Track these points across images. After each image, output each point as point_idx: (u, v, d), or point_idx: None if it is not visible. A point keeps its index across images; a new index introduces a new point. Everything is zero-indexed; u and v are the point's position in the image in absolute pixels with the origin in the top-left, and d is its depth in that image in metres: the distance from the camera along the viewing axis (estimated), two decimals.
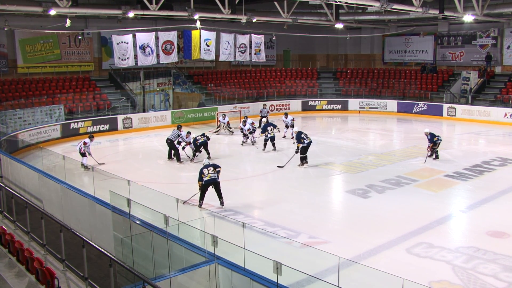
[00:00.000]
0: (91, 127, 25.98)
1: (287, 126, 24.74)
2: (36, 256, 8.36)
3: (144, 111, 29.73)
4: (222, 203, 13.85)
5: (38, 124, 24.10)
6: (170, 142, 19.93)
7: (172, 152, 20.15)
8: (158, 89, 32.18)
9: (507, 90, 31.12)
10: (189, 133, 20.45)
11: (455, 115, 30.72)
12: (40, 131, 23.50)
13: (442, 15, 25.78)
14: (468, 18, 26.40)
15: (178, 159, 19.95)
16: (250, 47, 31.03)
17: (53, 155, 18.37)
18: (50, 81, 29.23)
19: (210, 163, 13.98)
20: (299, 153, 18.53)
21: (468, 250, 10.74)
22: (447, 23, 35.71)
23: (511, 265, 9.98)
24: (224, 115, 26.84)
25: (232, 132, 26.08)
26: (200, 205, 13.65)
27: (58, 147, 22.41)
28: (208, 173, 13.49)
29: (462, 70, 34.16)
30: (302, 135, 18.51)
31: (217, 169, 13.71)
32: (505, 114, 28.85)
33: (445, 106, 31.57)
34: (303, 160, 18.72)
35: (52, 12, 21.55)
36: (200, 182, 13.55)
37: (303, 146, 18.43)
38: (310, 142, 18.64)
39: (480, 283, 9.27)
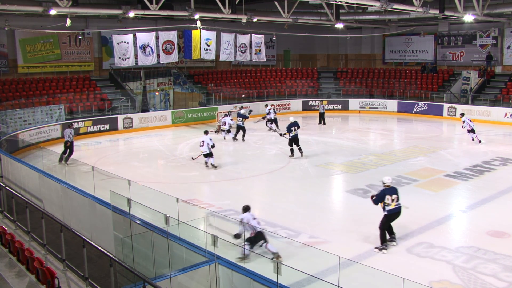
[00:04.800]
0: (92, 127, 26.01)
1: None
2: (37, 256, 8.37)
3: (144, 111, 29.74)
4: (394, 238, 11.12)
5: (38, 124, 24.13)
6: (67, 143, 19.40)
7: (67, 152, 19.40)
8: (158, 89, 32.18)
9: (508, 90, 31.12)
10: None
11: (455, 115, 30.67)
12: (41, 131, 23.51)
13: (443, 15, 25.78)
14: (468, 18, 26.40)
15: (67, 159, 19.18)
16: (251, 47, 31.02)
17: (54, 155, 18.40)
18: (51, 81, 29.24)
19: (391, 187, 11.03)
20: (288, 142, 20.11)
21: (469, 250, 10.73)
22: (447, 23, 35.71)
23: (511, 265, 9.97)
24: (229, 113, 26.99)
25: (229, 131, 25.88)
26: (383, 247, 10.81)
27: (59, 147, 22.37)
28: (393, 201, 10.88)
29: (462, 70, 34.17)
30: (292, 128, 19.84)
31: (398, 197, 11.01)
32: (506, 114, 28.85)
33: (446, 106, 31.58)
34: (292, 151, 20.09)
35: (53, 12, 21.56)
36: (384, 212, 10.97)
37: (290, 138, 19.88)
38: (295, 135, 19.91)
39: (481, 283, 9.27)
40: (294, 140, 20.01)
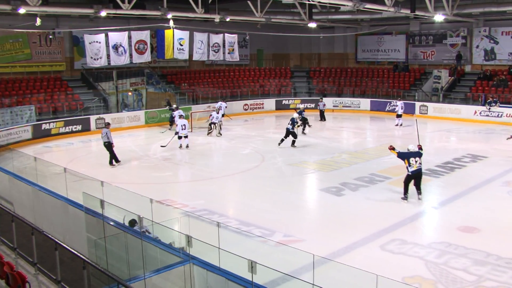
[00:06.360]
0: (63, 128, 25.63)
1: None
2: (7, 260, 8.20)
3: (118, 111, 29.47)
4: (420, 195, 13.98)
5: (8, 125, 23.64)
6: (108, 145, 19.03)
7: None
8: (131, 89, 31.84)
9: (477, 89, 31.72)
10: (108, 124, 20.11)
11: (427, 113, 31.19)
12: (11, 132, 23.05)
13: (414, 14, 26.17)
14: (438, 17, 26.85)
15: (117, 160, 19.29)
16: (224, 46, 31.00)
17: (24, 157, 18.06)
18: (21, 81, 28.68)
19: (415, 151, 13.95)
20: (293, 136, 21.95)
21: (440, 246, 10.92)
22: (418, 22, 36.19)
23: (481, 259, 10.19)
24: (220, 108, 27.14)
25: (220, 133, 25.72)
26: (405, 198, 14.02)
27: (30, 149, 22.05)
28: (415, 163, 13.58)
29: (433, 69, 34.71)
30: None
31: (420, 159, 13.79)
32: (475, 112, 29.41)
33: (417, 104, 32.02)
34: (282, 141, 22.19)
35: (22, 10, 21.06)
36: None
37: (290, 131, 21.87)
38: (287, 128, 21.91)
39: (452, 278, 9.44)
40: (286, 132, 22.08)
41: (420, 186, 13.97)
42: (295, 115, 22.61)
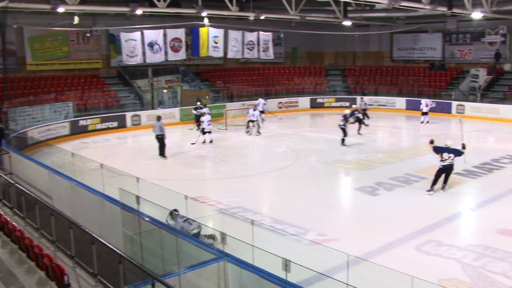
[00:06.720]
0: (100, 124, 26.09)
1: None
2: (46, 253, 8.42)
3: (153, 108, 29.81)
4: (444, 187, 14.61)
5: (47, 121, 24.21)
6: (161, 137, 19.87)
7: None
8: (166, 86, 32.16)
9: None
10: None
11: (464, 113, 30.49)
12: (49, 128, 23.60)
13: (451, 12, 25.61)
14: (476, 15, 26.17)
15: (163, 154, 20.12)
16: (258, 44, 31.04)
17: (62, 152, 18.47)
18: (59, 78, 29.35)
19: (452, 148, 14.44)
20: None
21: (478, 248, 10.69)
22: (455, 20, 35.44)
23: None
24: (258, 104, 27.31)
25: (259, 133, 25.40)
26: (431, 190, 14.42)
27: (67, 144, 22.52)
28: (448, 158, 14.17)
29: (470, 68, 33.96)
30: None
31: (456, 157, 14.30)
32: None
33: (454, 103, 31.37)
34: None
35: (60, 9, 21.58)
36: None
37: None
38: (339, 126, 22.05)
39: (490, 281, 9.23)
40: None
41: (447, 180, 14.54)
42: (347, 111, 22.74)
